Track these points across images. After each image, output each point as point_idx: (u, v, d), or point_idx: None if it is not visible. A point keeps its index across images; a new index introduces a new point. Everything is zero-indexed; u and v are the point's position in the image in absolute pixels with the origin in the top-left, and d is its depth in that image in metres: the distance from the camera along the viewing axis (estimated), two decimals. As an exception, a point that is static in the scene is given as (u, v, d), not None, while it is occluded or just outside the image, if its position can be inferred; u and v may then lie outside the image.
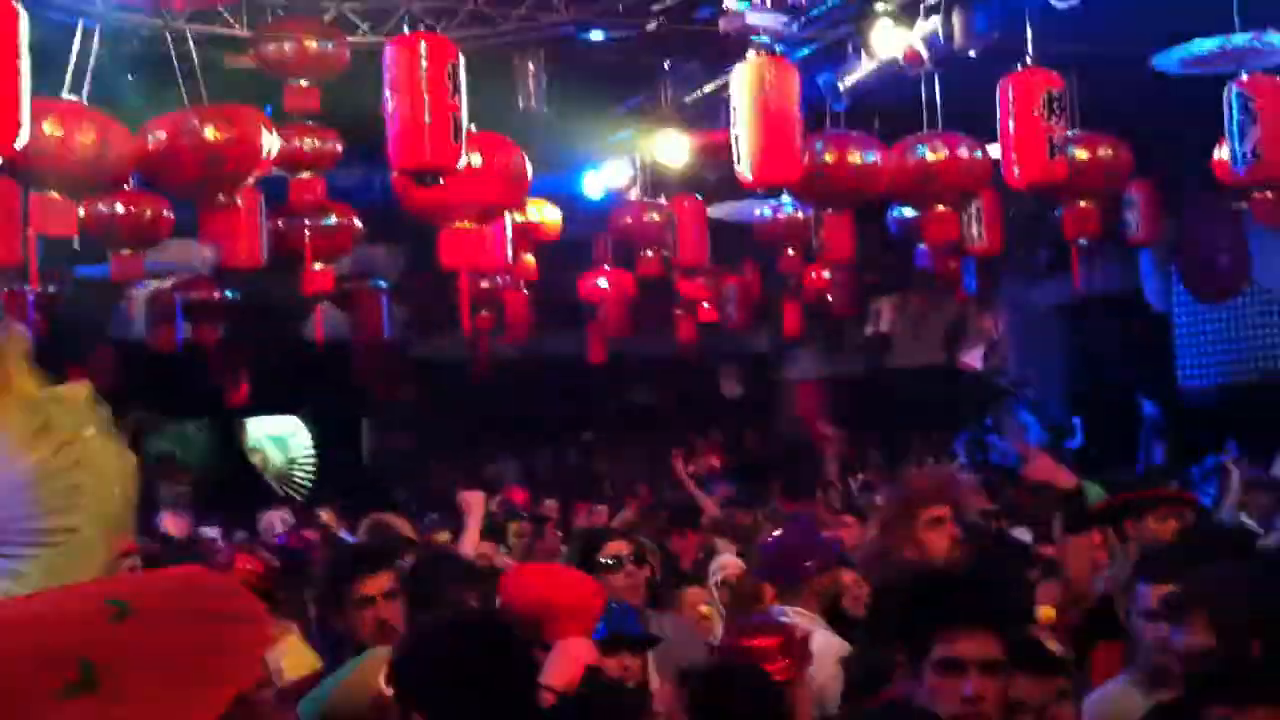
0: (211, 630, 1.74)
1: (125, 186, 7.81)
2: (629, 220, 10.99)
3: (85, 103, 7.08)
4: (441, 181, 6.11)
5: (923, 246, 10.43)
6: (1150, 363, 12.36)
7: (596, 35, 8.63)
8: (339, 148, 8.49)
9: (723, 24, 8.02)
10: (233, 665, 1.74)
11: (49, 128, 6.59)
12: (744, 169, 6.64)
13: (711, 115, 9.81)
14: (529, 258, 10.78)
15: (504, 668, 2.56)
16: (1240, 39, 7.00)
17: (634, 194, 11.04)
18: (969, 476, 4.19)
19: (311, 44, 7.88)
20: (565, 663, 3.11)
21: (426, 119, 5.87)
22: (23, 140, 5.56)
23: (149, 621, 1.67)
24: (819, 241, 9.38)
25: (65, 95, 7.02)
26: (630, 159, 10.83)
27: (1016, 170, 7.03)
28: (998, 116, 7.00)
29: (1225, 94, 7.00)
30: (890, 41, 7.51)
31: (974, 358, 13.54)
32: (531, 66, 9.13)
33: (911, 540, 4.00)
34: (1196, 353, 12.31)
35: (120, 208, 8.00)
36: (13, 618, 1.68)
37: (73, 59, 7.18)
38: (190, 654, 1.69)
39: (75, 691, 1.53)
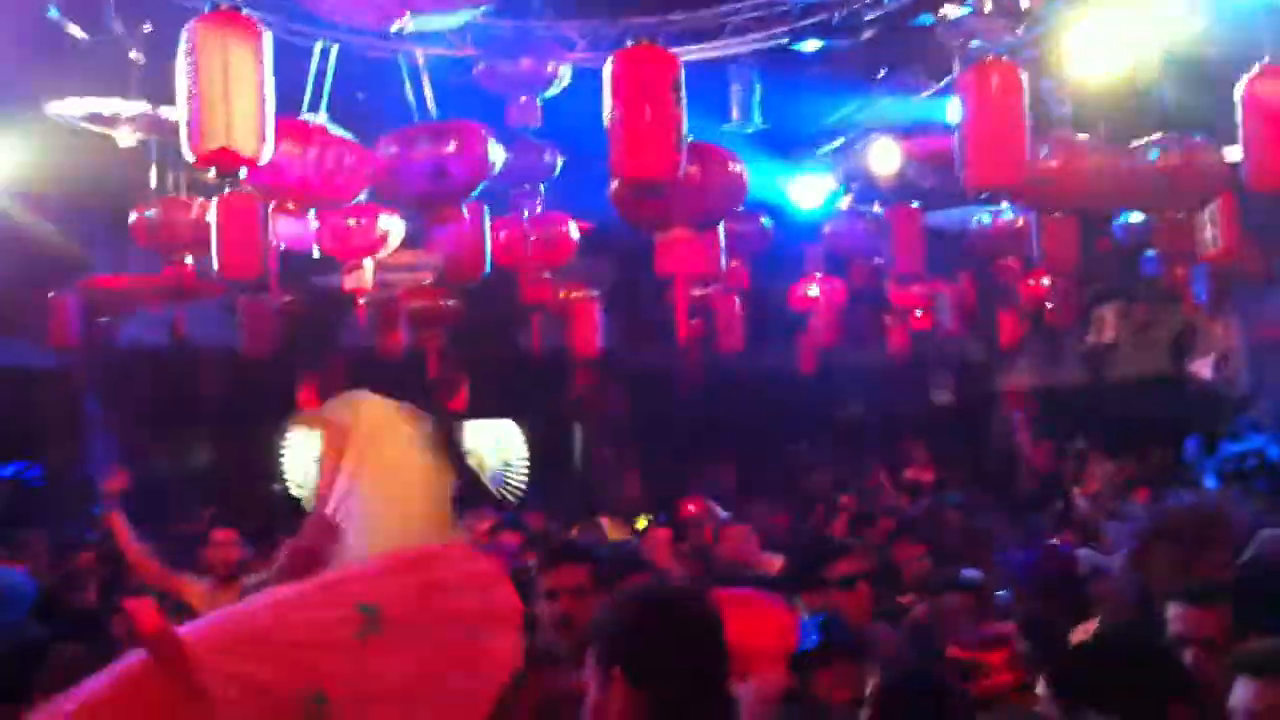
0: (462, 647, 1.76)
1: (357, 200, 8.12)
2: (841, 229, 10.91)
3: (323, 121, 7.39)
4: (663, 192, 6.17)
5: (1150, 253, 10.04)
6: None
7: (812, 45, 8.58)
8: (559, 159, 8.67)
9: (942, 31, 7.93)
10: (483, 686, 1.77)
11: (288, 146, 6.90)
12: (967, 174, 6.51)
13: (925, 122, 9.70)
14: (741, 266, 10.79)
15: (710, 646, 2.51)
16: None
17: (848, 202, 10.96)
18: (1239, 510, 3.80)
19: (531, 62, 8.09)
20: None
21: (649, 130, 5.93)
22: (266, 158, 5.82)
23: (396, 639, 1.70)
24: (1040, 249, 9.13)
25: (304, 114, 7.36)
26: (843, 168, 10.75)
27: (1257, 174, 6.70)
28: (1238, 118, 6.69)
29: None
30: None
31: (1204, 367, 12.96)
32: (744, 78, 9.17)
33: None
34: None
35: (353, 221, 8.33)
36: (261, 630, 1.74)
37: (310, 79, 7.52)
38: (436, 679, 1.72)
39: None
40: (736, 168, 7.61)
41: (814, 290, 12.24)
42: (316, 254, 8.08)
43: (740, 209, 8.35)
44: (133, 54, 7.35)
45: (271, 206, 7.36)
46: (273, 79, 5.78)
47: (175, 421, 14.97)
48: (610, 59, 6.19)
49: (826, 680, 3.44)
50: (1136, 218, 9.46)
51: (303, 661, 1.71)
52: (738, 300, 11.84)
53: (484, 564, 1.97)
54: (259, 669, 1.70)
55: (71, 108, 7.96)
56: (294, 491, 15.59)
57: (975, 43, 7.67)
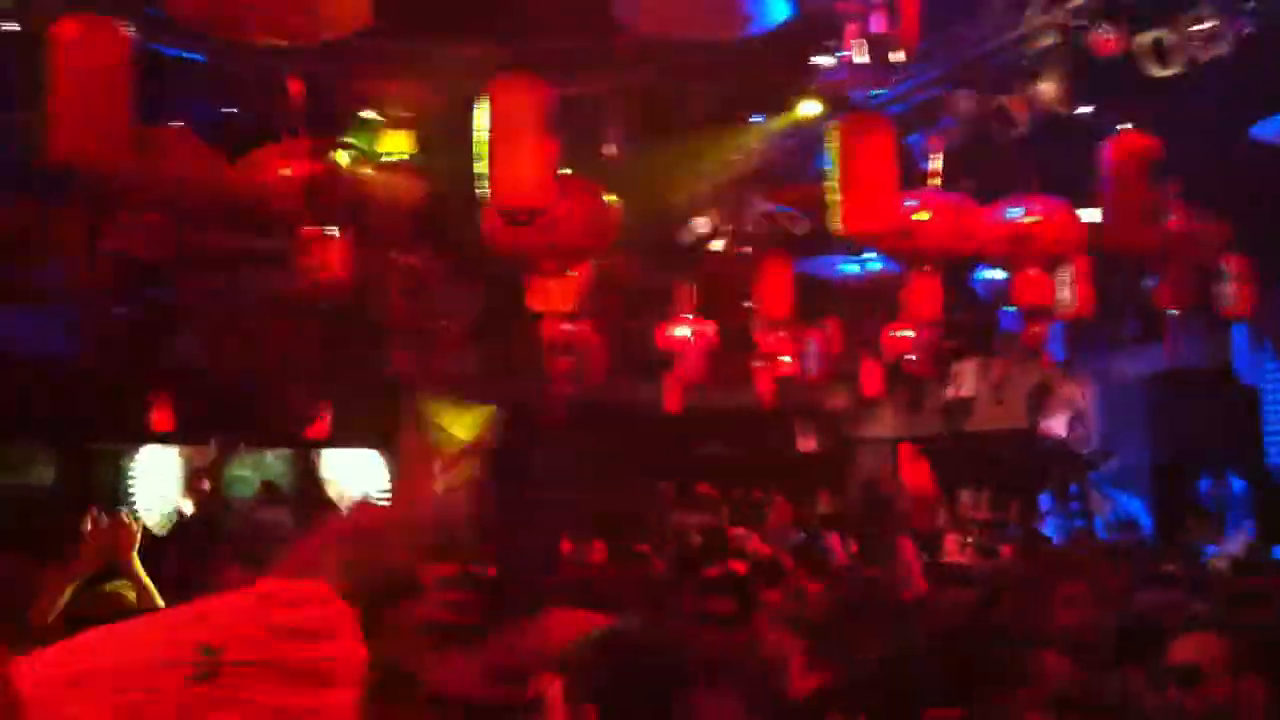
0: (299, 697, 1.69)
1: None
2: (715, 270, 10.97)
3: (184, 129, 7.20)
4: (534, 223, 6.13)
5: (1009, 309, 10.29)
6: (1239, 438, 12.09)
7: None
8: (424, 185, 8.57)
9: (814, 79, 8.04)
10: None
11: (149, 154, 6.68)
12: (837, 222, 6.60)
13: (800, 169, 9.82)
14: (612, 303, 10.79)
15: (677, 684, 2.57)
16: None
17: (722, 244, 11.03)
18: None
19: (402, 84, 7.98)
20: None
21: (524, 160, 5.90)
22: (127, 164, 5.64)
23: (230, 687, 1.63)
24: (905, 300, 9.29)
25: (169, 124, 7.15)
26: (718, 210, 10.82)
27: (1113, 235, 6.92)
28: (1099, 180, 6.89)
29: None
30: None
31: (1058, 425, 13.32)
32: (621, 114, 9.18)
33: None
34: (1288, 430, 12.04)
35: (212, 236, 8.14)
36: (99, 668, 1.65)
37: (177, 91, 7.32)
38: None
39: None
40: (610, 202, 7.61)
41: (683, 330, 12.28)
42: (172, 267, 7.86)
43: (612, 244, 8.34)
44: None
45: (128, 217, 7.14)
46: (139, 88, 5.64)
47: (14, 438, 14.40)
48: (484, 88, 6.14)
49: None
50: (997, 274, 9.68)
51: (126, 707, 1.61)
52: (605, 337, 11.84)
53: (335, 609, 1.88)
54: (84, 712, 1.60)
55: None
56: (145, 517, 15.14)
57: (848, 93, 7.80)
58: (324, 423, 13.75)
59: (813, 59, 6.84)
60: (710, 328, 12.14)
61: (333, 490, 16.53)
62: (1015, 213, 7.92)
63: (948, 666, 4.08)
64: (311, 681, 1.73)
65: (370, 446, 16.32)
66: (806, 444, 16.72)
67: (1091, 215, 7.64)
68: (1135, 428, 13.06)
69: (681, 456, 15.53)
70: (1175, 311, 8.72)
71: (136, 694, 1.60)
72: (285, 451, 16.53)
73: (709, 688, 3.45)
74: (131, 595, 4.75)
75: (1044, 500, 13.77)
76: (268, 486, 15.35)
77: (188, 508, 15.47)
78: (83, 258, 7.22)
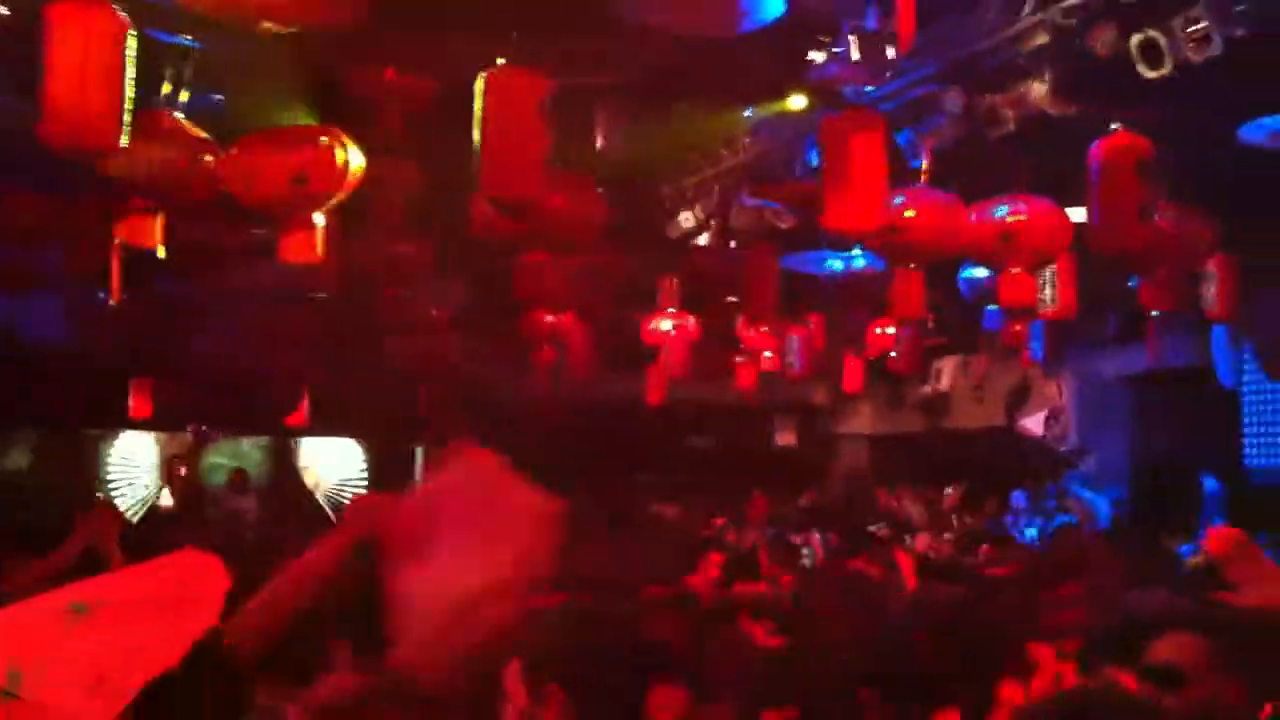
0: (155, 621, 1.79)
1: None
2: (699, 265, 11.00)
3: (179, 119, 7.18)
4: (525, 214, 6.14)
5: (992, 308, 10.34)
6: (1215, 439, 12.19)
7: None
8: (417, 175, 8.55)
9: (808, 76, 8.06)
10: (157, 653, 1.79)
11: (141, 139, 6.66)
12: (826, 218, 6.63)
13: (788, 164, 9.85)
14: (597, 296, 10.80)
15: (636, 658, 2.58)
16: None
17: (706, 239, 11.05)
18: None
19: (398, 72, 7.97)
20: None
21: (516, 150, 5.91)
22: (119, 147, 5.63)
23: (97, 619, 1.74)
24: (889, 298, 9.32)
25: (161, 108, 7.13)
26: (704, 203, 10.84)
27: (1102, 236, 6.96)
28: (1087, 180, 6.94)
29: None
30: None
31: (1035, 423, 13.40)
32: (612, 109, 9.19)
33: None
34: (1264, 431, 12.14)
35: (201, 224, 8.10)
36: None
37: (168, 76, 7.30)
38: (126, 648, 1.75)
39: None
40: (599, 197, 7.63)
41: (666, 324, 12.30)
42: (161, 255, 7.82)
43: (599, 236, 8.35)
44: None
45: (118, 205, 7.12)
46: (133, 72, 5.61)
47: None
48: (481, 77, 6.14)
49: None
50: (981, 272, 9.73)
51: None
52: (590, 328, 11.85)
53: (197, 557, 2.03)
54: None
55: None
56: (119, 501, 15.09)
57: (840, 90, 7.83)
58: (302, 411, 13.72)
59: (807, 54, 6.86)
60: (693, 322, 12.17)
61: (309, 479, 16.52)
62: (1002, 211, 7.96)
63: (941, 659, 4.12)
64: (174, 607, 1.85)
65: (350, 435, 16.30)
66: (786, 439, 16.77)
67: (1077, 214, 7.68)
68: (1115, 427, 13.16)
69: (663, 450, 15.56)
70: (1158, 312, 8.77)
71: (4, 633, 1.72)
72: (263, 440, 16.49)
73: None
74: None
75: (1016, 498, 13.86)
76: (237, 474, 15.32)
77: (164, 495, 15.43)
78: (85, 245, 7.18)
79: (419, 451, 16.26)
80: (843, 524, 11.67)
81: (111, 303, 10.15)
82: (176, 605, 1.84)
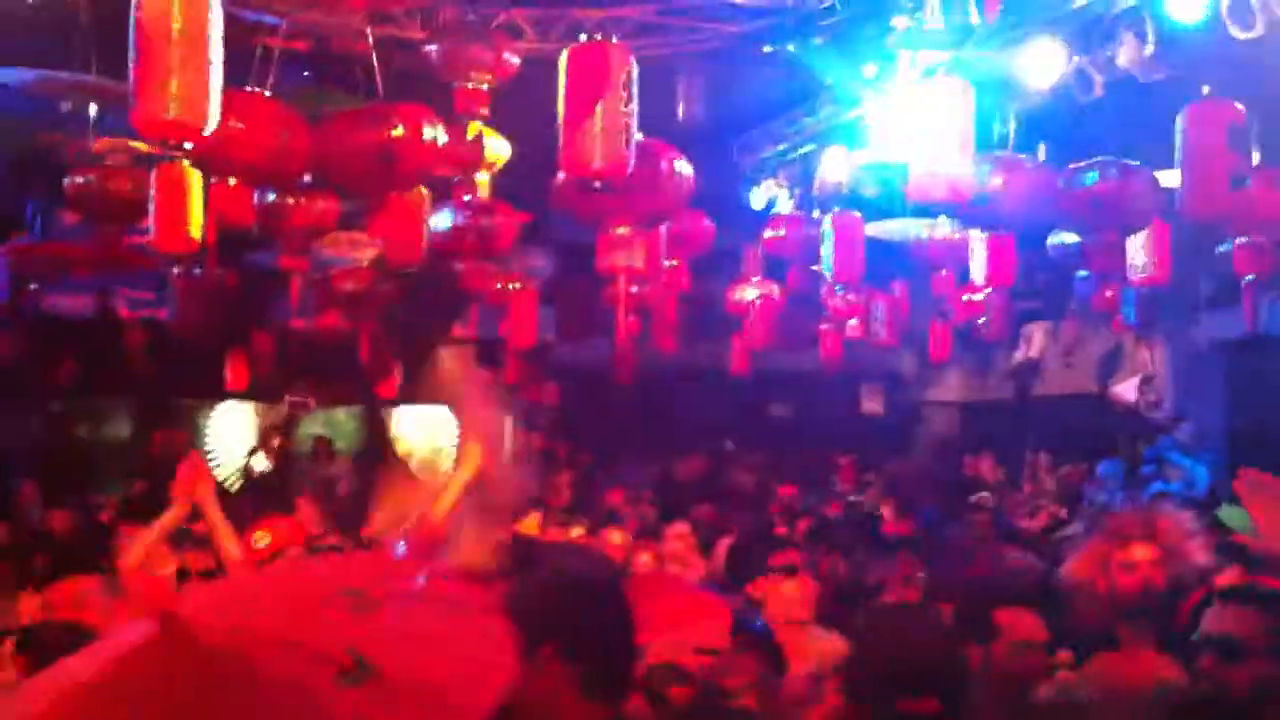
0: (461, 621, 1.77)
1: (300, 180, 8.04)
2: (782, 233, 10.98)
3: (267, 96, 7.31)
4: (610, 188, 6.17)
5: (1083, 274, 10.20)
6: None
7: (766, 48, 8.62)
8: (506, 150, 8.63)
9: (891, 41, 8.01)
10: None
11: (233, 119, 6.80)
12: (912, 187, 6.59)
13: (875, 131, 9.79)
14: (681, 266, 10.83)
15: (627, 618, 2.58)
16: None
17: (789, 207, 11.03)
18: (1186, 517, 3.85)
19: (482, 48, 8.03)
20: None
21: (601, 127, 5.93)
22: (210, 130, 5.74)
23: (393, 610, 1.71)
24: (978, 265, 9.24)
25: (251, 89, 7.27)
26: (789, 172, 10.82)
27: (1193, 201, 6.84)
28: (1177, 145, 6.82)
29: None
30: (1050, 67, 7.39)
31: (1128, 390, 13.18)
32: (694, 77, 9.20)
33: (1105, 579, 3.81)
34: (1364, 397, 11.84)
35: (292, 200, 8.24)
36: (262, 605, 1.72)
37: (258, 52, 7.45)
38: (447, 643, 1.72)
39: (353, 679, 1.59)
40: (682, 167, 7.63)
41: (750, 293, 12.30)
42: (254, 230, 7.99)
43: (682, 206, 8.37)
44: (83, 18, 7.23)
45: (212, 181, 7.27)
46: (222, 53, 5.71)
47: (99, 392, 14.76)
48: (564, 53, 6.17)
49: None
50: (1071, 238, 9.60)
51: (325, 619, 1.69)
52: (675, 299, 11.88)
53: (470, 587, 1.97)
54: (277, 624, 1.68)
55: (12, 76, 7.83)
56: (217, 471, 15.45)
57: (924, 56, 7.77)
58: (394, 381, 13.92)
59: (894, 20, 6.81)
60: (777, 290, 12.16)
61: (402, 448, 16.76)
62: (1092, 177, 7.85)
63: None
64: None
65: (440, 404, 16.50)
66: (873, 407, 16.69)
67: (1170, 179, 7.55)
68: (1210, 394, 12.91)
69: (746, 420, 15.57)
70: (1253, 277, 8.60)
71: (301, 627, 1.66)
72: (356, 409, 16.77)
73: None
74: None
75: (1104, 467, 13.65)
76: (320, 443, 15.56)
77: (260, 464, 15.76)
78: (183, 222, 7.35)
79: (507, 421, 16.42)
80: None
81: (208, 276, 10.42)
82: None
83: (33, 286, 10.89)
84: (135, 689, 1.60)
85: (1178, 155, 6.86)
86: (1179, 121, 6.81)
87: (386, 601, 1.73)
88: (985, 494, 11.86)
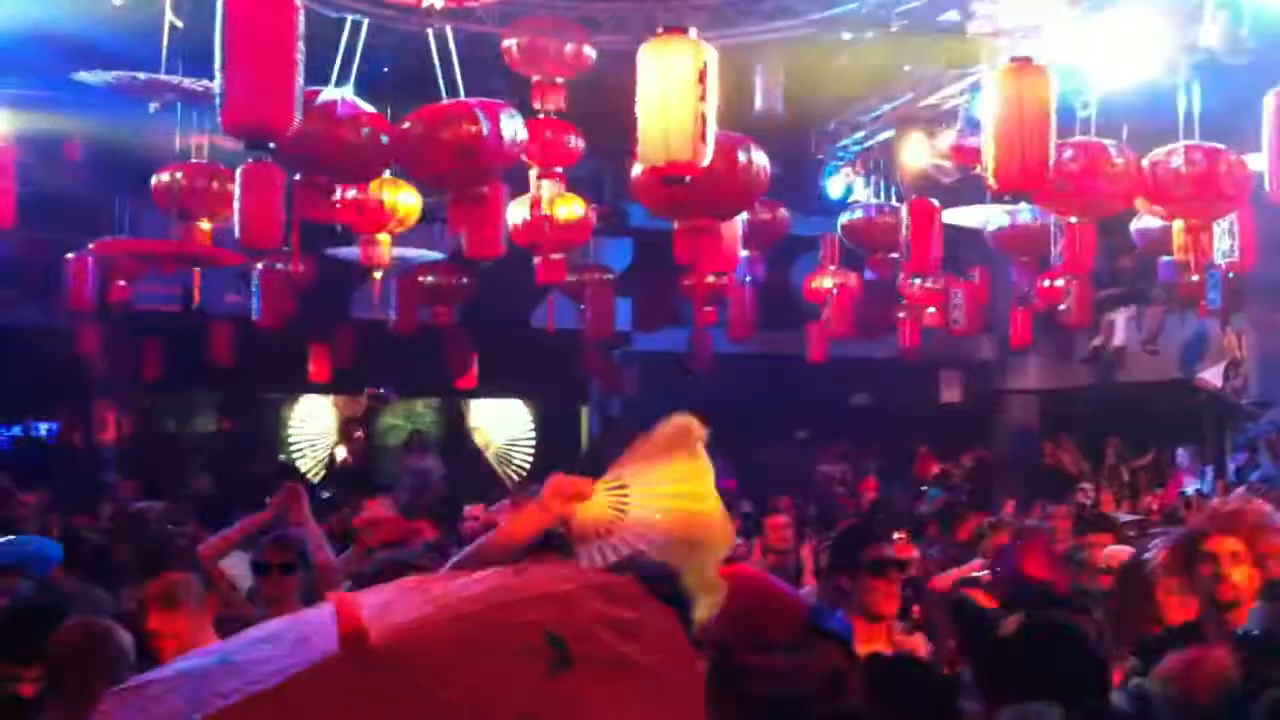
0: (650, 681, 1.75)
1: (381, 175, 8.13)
2: (860, 221, 10.92)
3: (349, 95, 7.39)
4: (688, 181, 6.17)
5: (1167, 259, 10.04)
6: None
7: (844, 36, 8.57)
8: (581, 143, 8.66)
9: (971, 28, 7.93)
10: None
11: (315, 116, 6.89)
12: (991, 175, 6.52)
13: (950, 118, 9.70)
14: (757, 255, 10.83)
15: None
16: None
17: (867, 195, 10.97)
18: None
19: (559, 43, 8.08)
20: None
21: (679, 119, 5.93)
22: (293, 128, 5.83)
23: (585, 679, 1.68)
24: (1058, 251, 9.13)
25: (331, 86, 7.35)
26: (866, 160, 10.76)
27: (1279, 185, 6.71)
28: (1263, 129, 6.68)
29: None
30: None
31: (1214, 376, 12.96)
32: (770, 67, 9.16)
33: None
34: None
35: (373, 195, 8.34)
36: (447, 635, 1.70)
37: (340, 51, 7.53)
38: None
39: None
40: (759, 158, 7.61)
41: (828, 281, 12.26)
42: (336, 226, 8.09)
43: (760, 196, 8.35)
44: (170, 18, 7.35)
45: (295, 177, 7.37)
46: (303, 51, 5.79)
47: (184, 386, 15.04)
48: (642, 47, 6.18)
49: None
50: (1154, 223, 9.46)
51: (500, 676, 1.67)
52: (751, 289, 11.88)
53: (661, 614, 1.93)
54: (441, 677, 1.66)
55: (101, 76, 8.00)
56: (299, 463, 15.70)
57: (1002, 40, 7.68)
58: (472, 373, 14.06)
59: (973, 5, 6.74)
60: (855, 278, 12.11)
61: (480, 439, 16.92)
62: (1177, 161, 7.71)
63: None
64: (645, 695, 1.77)
65: (516, 396, 16.63)
66: (952, 396, 16.56)
67: (1257, 162, 7.41)
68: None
69: (825, 408, 15.51)
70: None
71: (494, 674, 1.65)
72: (435, 401, 16.95)
73: None
74: None
75: (1181, 456, 13.44)
76: (415, 435, 15.75)
77: (342, 454, 15.99)
78: (267, 218, 7.48)
79: (583, 411, 16.53)
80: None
81: (291, 271, 10.58)
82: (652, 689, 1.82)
83: (121, 283, 11.11)
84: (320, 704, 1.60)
85: (1264, 139, 6.73)
86: (1266, 104, 6.68)
87: (582, 664, 1.69)
88: (1086, 485, 11.76)
